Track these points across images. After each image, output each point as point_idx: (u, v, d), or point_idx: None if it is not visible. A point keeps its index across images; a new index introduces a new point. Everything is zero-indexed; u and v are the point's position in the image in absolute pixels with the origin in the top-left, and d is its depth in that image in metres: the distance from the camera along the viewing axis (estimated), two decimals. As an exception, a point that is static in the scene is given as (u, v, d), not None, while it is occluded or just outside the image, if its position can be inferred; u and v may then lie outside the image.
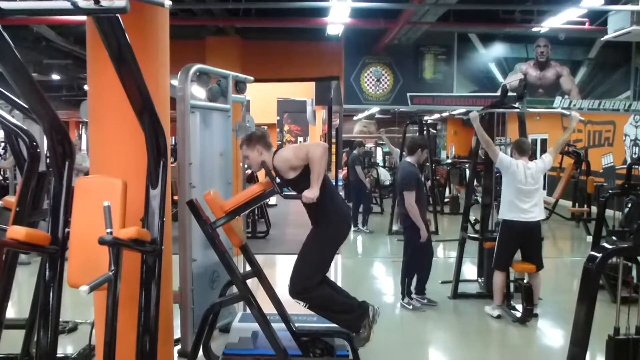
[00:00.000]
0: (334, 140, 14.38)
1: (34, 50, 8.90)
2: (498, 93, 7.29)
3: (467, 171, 13.71)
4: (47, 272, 2.48)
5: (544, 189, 5.44)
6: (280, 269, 7.00)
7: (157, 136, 2.55)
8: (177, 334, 3.90)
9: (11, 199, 3.23)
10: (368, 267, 7.62)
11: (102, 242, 2.20)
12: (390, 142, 11.28)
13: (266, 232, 9.18)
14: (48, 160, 2.83)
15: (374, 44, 8.74)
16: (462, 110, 11.30)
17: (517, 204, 4.80)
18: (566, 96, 9.01)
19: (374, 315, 3.58)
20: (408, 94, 9.01)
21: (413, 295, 5.38)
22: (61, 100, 13.89)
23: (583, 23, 7.84)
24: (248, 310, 3.46)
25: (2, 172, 10.39)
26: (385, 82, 8.96)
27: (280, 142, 18.17)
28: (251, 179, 7.71)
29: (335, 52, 9.05)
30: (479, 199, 6.61)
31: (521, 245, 4.93)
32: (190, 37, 8.29)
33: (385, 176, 13.78)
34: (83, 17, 3.72)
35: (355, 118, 22.78)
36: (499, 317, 5.03)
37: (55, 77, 11.34)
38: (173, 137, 8.75)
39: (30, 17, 6.08)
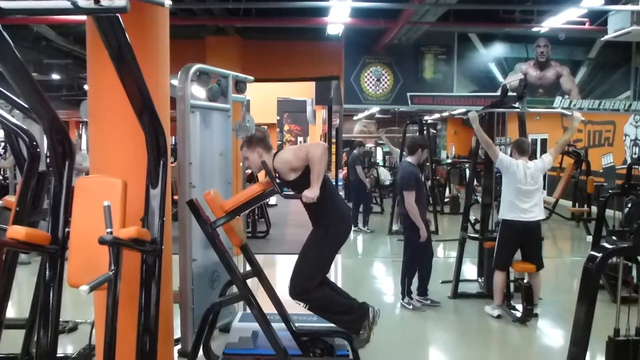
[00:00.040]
0: (334, 140, 14.38)
1: (34, 49, 8.89)
2: (498, 93, 7.30)
3: (467, 171, 13.71)
4: (47, 272, 2.47)
5: (544, 188, 5.44)
6: (281, 268, 7.00)
7: (157, 136, 2.55)
8: (177, 334, 3.90)
9: (11, 199, 3.23)
10: (368, 267, 7.62)
11: (102, 241, 2.20)
12: (390, 142, 11.28)
13: (266, 232, 9.18)
14: (48, 160, 2.83)
15: (374, 44, 8.74)
16: (462, 110, 11.30)
17: (517, 203, 4.80)
18: (566, 96, 9.01)
19: (374, 317, 3.58)
20: (408, 94, 9.01)
21: (417, 297, 5.37)
22: (61, 100, 13.88)
23: (583, 23, 7.84)
24: (248, 310, 3.46)
25: (2, 172, 10.39)
26: (386, 82, 8.96)
27: (280, 142, 18.16)
28: (251, 178, 7.71)
29: (336, 51, 9.05)
30: (479, 199, 6.61)
31: (521, 245, 4.93)
32: (191, 36, 8.29)
33: (385, 176, 13.78)
34: (83, 17, 3.72)
35: (355, 118, 22.78)
36: (499, 317, 5.03)
37: (55, 76, 11.34)
38: (173, 137, 8.75)
39: (30, 16, 6.09)
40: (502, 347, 4.74)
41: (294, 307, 3.59)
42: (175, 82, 3.92)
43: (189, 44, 8.14)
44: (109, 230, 2.24)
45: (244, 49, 8.72)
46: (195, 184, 3.93)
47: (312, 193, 3.32)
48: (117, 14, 1.90)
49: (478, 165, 6.34)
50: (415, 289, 5.40)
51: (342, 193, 12.69)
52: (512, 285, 5.26)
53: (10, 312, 3.87)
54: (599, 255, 2.44)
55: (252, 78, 4.78)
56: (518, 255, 5.01)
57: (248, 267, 3.67)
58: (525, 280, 4.99)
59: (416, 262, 5.31)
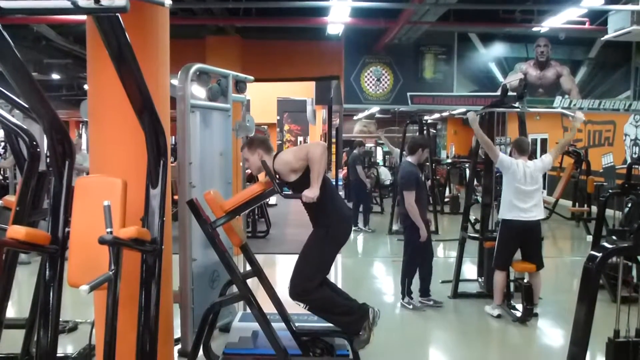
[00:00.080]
0: (334, 139, 14.36)
1: (34, 49, 8.89)
2: (498, 93, 7.29)
3: (467, 171, 13.71)
4: (47, 272, 2.47)
5: (543, 188, 5.44)
6: (281, 268, 7.00)
7: (157, 135, 2.55)
8: (177, 334, 3.90)
9: (11, 199, 3.23)
10: (368, 266, 7.62)
11: (102, 241, 2.20)
12: (390, 142, 11.28)
13: (266, 232, 9.18)
14: (48, 160, 2.83)
15: (374, 44, 8.74)
16: (462, 109, 11.30)
17: (517, 203, 4.80)
18: (566, 96, 9.01)
19: (374, 318, 3.58)
20: (408, 94, 9.01)
21: (419, 299, 5.35)
22: (61, 99, 13.89)
23: (583, 23, 7.84)
24: (248, 310, 3.46)
25: (2, 172, 10.39)
26: (386, 82, 8.96)
27: (280, 142, 18.15)
28: (251, 178, 7.71)
29: (336, 51, 9.04)
30: (479, 199, 6.61)
31: (521, 244, 4.93)
32: (191, 36, 8.30)
33: (386, 175, 13.79)
34: (83, 17, 3.72)
35: (355, 118, 22.77)
36: (499, 316, 5.03)
37: (55, 76, 11.34)
38: (173, 137, 8.75)
39: (30, 16, 6.09)
40: (502, 346, 4.74)
41: (294, 307, 3.59)
42: (175, 81, 3.92)
43: (189, 44, 8.14)
44: (109, 230, 2.24)
45: (244, 48, 8.72)
46: (195, 184, 3.93)
47: (312, 193, 3.31)
48: (117, 14, 1.90)
49: (478, 165, 6.34)
50: (417, 290, 5.39)
51: (342, 193, 12.69)
52: (512, 285, 5.26)
53: (10, 312, 3.87)
54: (599, 254, 2.44)
55: (252, 78, 4.78)
56: (518, 255, 5.01)
57: (248, 267, 3.67)
58: (525, 280, 4.98)
59: (416, 262, 5.31)
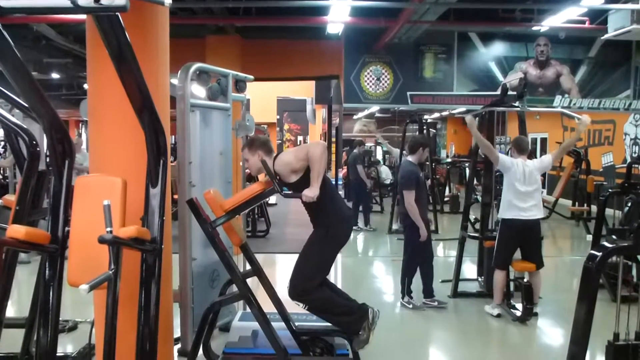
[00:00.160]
0: (333, 139, 14.37)
1: (33, 49, 8.89)
2: (498, 92, 7.28)
3: (467, 170, 13.71)
4: (47, 271, 2.47)
5: (543, 187, 5.44)
6: (280, 268, 7.00)
7: (157, 135, 2.55)
8: (177, 333, 3.90)
9: (11, 198, 3.23)
10: (368, 266, 7.62)
11: (102, 241, 2.20)
12: (389, 141, 11.28)
13: (266, 231, 9.18)
14: (48, 159, 2.83)
15: (374, 43, 8.73)
16: (462, 109, 11.30)
17: (516, 203, 4.80)
18: (566, 95, 9.01)
19: (374, 318, 3.58)
20: (408, 93, 9.01)
21: (423, 300, 5.34)
22: (61, 99, 13.88)
23: (583, 22, 7.84)
24: (248, 309, 3.46)
25: (2, 171, 10.39)
26: (385, 81, 8.96)
27: (280, 141, 18.15)
28: (251, 178, 7.70)
29: (335, 50, 9.04)
30: (479, 198, 6.61)
31: (521, 244, 4.93)
32: (190, 36, 8.29)
33: (387, 174, 13.80)
34: (83, 16, 3.71)
35: (355, 117, 22.77)
36: (499, 316, 5.03)
37: (55, 75, 11.34)
38: (173, 136, 8.74)
39: (30, 15, 6.08)
40: (502, 346, 4.74)
41: (294, 307, 3.58)
42: (175, 81, 3.92)
43: (189, 43, 8.14)
44: (108, 229, 2.23)
45: (244, 48, 8.71)
46: (195, 183, 3.93)
47: (312, 192, 3.31)
48: (117, 13, 1.90)
49: (478, 165, 6.34)
50: (419, 291, 5.38)
51: (342, 192, 12.68)
52: (512, 284, 5.26)
53: (10, 311, 3.87)
54: (599, 254, 2.44)
55: (252, 77, 4.78)
56: (518, 254, 5.01)
57: (248, 267, 3.67)
58: (525, 279, 4.99)
59: (416, 262, 5.30)
